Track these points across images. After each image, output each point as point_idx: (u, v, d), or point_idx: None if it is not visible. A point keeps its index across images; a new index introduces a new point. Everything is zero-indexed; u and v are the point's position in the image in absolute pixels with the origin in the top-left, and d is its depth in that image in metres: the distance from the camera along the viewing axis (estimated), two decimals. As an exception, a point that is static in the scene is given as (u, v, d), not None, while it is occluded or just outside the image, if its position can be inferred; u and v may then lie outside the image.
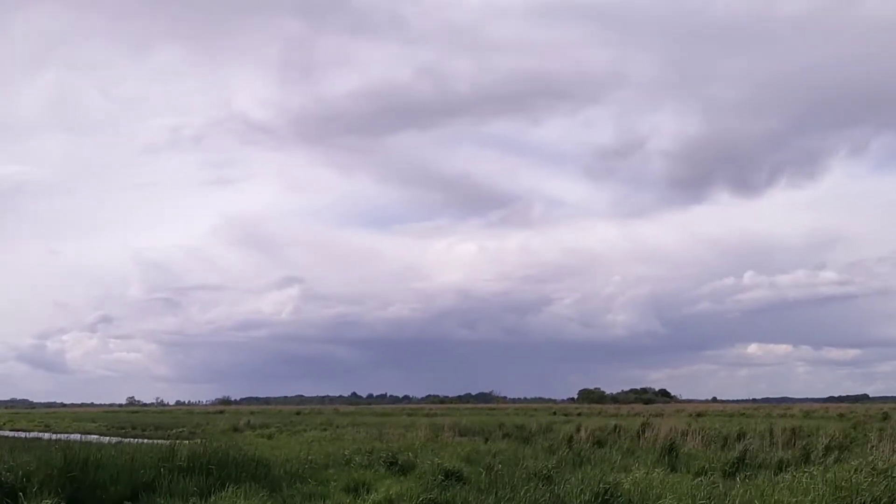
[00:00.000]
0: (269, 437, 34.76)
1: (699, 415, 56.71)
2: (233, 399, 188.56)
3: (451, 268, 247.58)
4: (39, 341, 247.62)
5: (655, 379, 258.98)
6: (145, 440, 26.05)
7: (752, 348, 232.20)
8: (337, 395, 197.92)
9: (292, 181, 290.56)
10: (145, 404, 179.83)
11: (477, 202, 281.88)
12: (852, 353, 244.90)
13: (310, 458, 20.22)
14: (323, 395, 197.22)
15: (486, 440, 28.22)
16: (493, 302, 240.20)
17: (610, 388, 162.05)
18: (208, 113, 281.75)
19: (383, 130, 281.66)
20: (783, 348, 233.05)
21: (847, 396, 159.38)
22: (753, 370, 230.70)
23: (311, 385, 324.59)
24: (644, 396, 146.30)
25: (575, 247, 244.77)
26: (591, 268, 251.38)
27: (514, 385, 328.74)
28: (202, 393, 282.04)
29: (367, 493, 15.03)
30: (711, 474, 16.66)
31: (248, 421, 49.72)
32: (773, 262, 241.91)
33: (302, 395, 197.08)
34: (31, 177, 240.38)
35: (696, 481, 15.55)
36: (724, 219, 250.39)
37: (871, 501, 12.61)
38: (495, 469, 17.64)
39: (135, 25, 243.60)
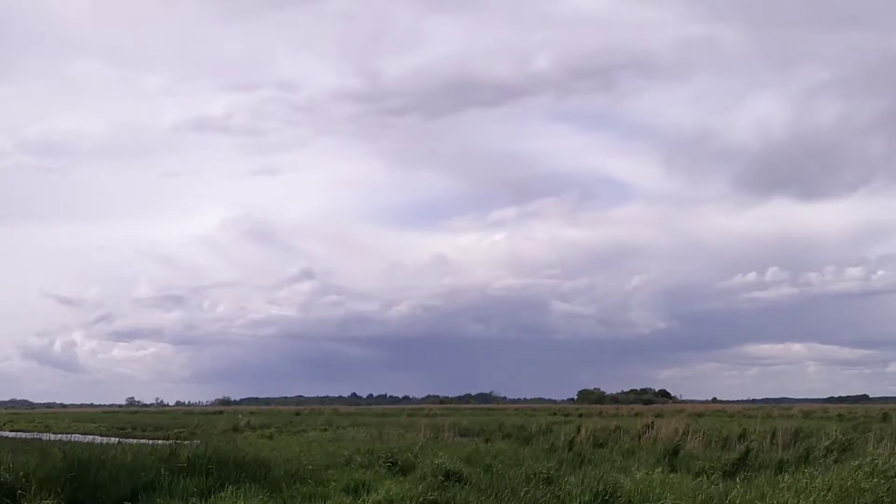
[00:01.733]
0: (270, 437, 34.77)
1: (699, 415, 56.70)
2: (233, 399, 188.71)
3: (477, 263, 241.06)
4: (39, 339, 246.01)
5: (665, 377, 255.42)
6: (145, 441, 26.04)
7: (763, 347, 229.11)
8: (337, 395, 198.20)
9: (334, 169, 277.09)
10: (145, 405, 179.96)
11: (531, 189, 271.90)
12: (862, 352, 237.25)
13: (310, 458, 20.21)
14: (323, 395, 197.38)
15: (487, 441, 28.22)
16: (511, 298, 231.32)
17: (619, 388, 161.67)
18: (258, 94, 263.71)
19: (442, 113, 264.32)
20: (796, 347, 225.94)
21: (847, 397, 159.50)
22: (763, 369, 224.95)
23: (312, 385, 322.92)
24: (644, 397, 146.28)
25: (612, 239, 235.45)
26: (622, 262, 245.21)
27: (522, 384, 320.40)
28: (202, 393, 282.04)
29: (367, 493, 15.01)
30: (712, 475, 16.65)
31: (248, 421, 49.77)
32: (811, 258, 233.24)
33: (301, 396, 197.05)
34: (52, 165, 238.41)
35: (696, 482, 15.57)
36: (785, 216, 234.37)
37: (872, 502, 12.61)
38: (496, 470, 17.65)
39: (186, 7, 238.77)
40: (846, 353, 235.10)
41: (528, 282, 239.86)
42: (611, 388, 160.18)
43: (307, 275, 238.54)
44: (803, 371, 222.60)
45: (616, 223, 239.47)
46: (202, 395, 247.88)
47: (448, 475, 16.31)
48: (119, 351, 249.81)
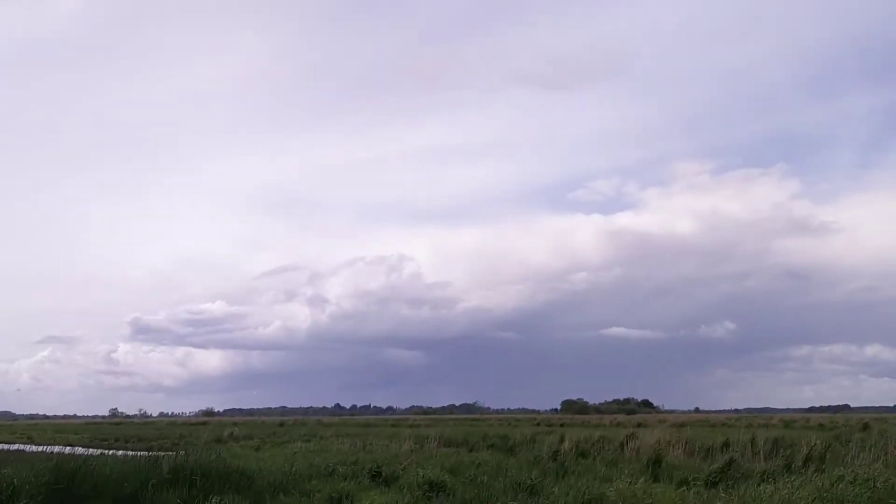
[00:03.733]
0: (257, 448, 34.60)
1: (681, 425, 56.81)
2: (216, 410, 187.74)
3: (496, 267, 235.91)
4: (23, 350, 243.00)
5: (651, 387, 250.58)
6: (129, 452, 25.92)
7: (756, 356, 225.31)
8: (321, 406, 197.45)
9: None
10: (128, 416, 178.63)
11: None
12: (854, 360, 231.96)
13: (293, 469, 20.19)
14: (307, 406, 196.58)
15: (471, 451, 28.22)
16: (520, 306, 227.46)
17: (603, 398, 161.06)
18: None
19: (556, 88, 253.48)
20: (789, 355, 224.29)
21: (828, 406, 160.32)
22: (753, 378, 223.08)
23: (296, 396, 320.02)
24: (627, 407, 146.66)
25: (658, 235, 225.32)
26: (655, 261, 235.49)
27: (512, 395, 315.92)
28: (186, 404, 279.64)
29: (351, 504, 15.05)
30: (695, 485, 16.74)
31: (232, 432, 49.51)
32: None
33: (285, 407, 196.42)
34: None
35: (679, 492, 15.65)
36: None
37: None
38: (480, 480, 17.68)
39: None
40: (837, 360, 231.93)
41: (532, 289, 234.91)
42: (595, 399, 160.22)
43: (307, 284, 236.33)
44: (787, 380, 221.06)
45: (675, 217, 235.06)
46: (186, 405, 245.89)
47: (432, 486, 16.34)
48: (104, 361, 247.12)
